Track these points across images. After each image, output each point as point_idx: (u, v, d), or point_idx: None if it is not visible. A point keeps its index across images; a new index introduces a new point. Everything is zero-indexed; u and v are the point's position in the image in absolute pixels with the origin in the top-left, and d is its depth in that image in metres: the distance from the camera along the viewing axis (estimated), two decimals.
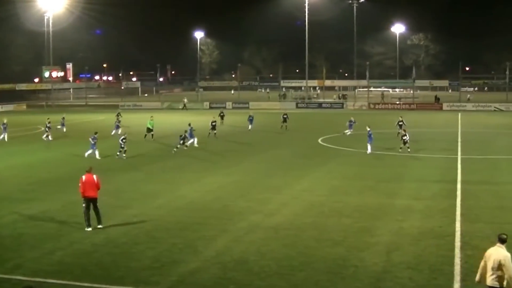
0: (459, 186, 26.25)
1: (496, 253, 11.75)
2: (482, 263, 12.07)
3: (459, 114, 73.35)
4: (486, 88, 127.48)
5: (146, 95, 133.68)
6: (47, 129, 46.20)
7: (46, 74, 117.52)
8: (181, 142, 38.29)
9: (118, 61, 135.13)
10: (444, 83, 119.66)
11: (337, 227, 19.37)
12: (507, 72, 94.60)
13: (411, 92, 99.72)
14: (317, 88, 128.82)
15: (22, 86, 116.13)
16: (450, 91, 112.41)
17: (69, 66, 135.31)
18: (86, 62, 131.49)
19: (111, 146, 38.88)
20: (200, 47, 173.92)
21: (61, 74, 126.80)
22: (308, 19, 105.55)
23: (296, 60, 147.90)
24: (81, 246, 17.40)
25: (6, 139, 45.57)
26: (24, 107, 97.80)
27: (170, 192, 25.26)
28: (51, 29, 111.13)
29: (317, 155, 37.03)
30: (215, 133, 46.18)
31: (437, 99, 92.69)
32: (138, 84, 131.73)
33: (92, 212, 19.08)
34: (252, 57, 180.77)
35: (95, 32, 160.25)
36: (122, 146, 35.42)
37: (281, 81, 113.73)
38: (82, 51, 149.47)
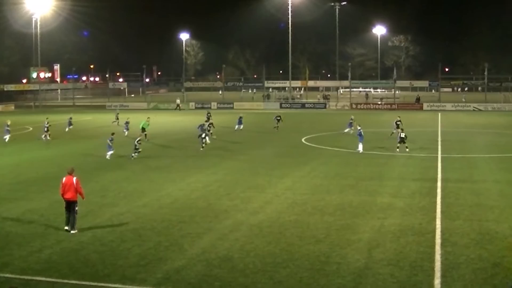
0: (439, 184, 26.62)
1: None
2: None
3: (439, 114, 74.22)
4: (466, 88, 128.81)
5: (132, 95, 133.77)
6: (46, 129, 46.13)
7: (34, 75, 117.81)
8: (203, 139, 39.40)
9: (105, 62, 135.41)
10: (424, 83, 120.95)
11: (319, 224, 19.62)
12: (486, 73, 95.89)
13: (393, 92, 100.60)
14: (300, 88, 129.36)
15: (10, 87, 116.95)
16: (433, 91, 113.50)
17: (57, 67, 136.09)
18: (73, 63, 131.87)
19: (98, 146, 38.88)
20: (185, 49, 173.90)
21: (49, 75, 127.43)
22: (291, 21, 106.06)
23: (280, 61, 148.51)
24: (68, 244, 17.55)
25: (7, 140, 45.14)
26: (12, 107, 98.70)
27: (155, 191, 25.43)
28: (38, 30, 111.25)
29: (300, 155, 37.31)
30: (211, 133, 45.95)
31: (417, 99, 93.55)
32: (125, 85, 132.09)
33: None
34: (236, 58, 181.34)
35: (82, 34, 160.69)
36: (137, 147, 35.45)
37: (265, 82, 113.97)
38: (69, 53, 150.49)
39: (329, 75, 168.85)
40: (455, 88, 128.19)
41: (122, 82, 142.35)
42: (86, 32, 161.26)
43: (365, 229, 19.10)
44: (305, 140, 45.14)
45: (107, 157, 34.98)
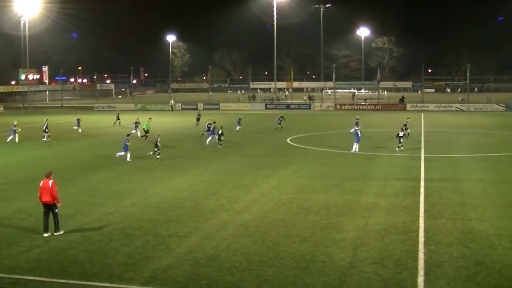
0: (422, 183, 26.91)
1: None
2: None
3: (422, 114, 74.77)
4: (448, 89, 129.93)
5: (120, 97, 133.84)
6: (46, 130, 46.20)
7: (23, 77, 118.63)
8: (219, 139, 40.50)
9: (93, 64, 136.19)
10: (408, 84, 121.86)
11: (305, 223, 19.80)
12: (468, 74, 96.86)
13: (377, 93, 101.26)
14: (286, 89, 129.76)
15: None
16: (419, 92, 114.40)
17: (45, 69, 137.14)
18: (61, 65, 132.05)
19: (89, 146, 38.81)
20: (172, 50, 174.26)
21: (37, 76, 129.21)
22: (276, 23, 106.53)
23: (265, 62, 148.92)
24: (57, 243, 17.65)
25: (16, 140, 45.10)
26: (1, 109, 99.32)
27: (143, 191, 25.56)
28: (27, 33, 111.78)
29: (286, 155, 37.54)
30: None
31: (401, 99, 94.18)
32: (112, 86, 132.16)
33: (53, 217, 18.65)
34: (222, 59, 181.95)
35: (70, 36, 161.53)
36: (158, 147, 35.31)
37: (251, 83, 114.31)
38: (57, 54, 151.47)
39: (314, 76, 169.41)
40: (440, 89, 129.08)
41: (110, 83, 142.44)
42: (74, 34, 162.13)
43: (350, 228, 19.29)
44: (290, 140, 45.40)
45: (128, 159, 34.66)
